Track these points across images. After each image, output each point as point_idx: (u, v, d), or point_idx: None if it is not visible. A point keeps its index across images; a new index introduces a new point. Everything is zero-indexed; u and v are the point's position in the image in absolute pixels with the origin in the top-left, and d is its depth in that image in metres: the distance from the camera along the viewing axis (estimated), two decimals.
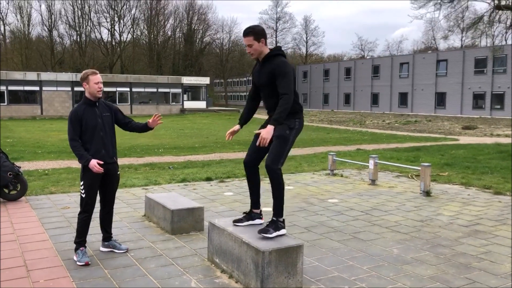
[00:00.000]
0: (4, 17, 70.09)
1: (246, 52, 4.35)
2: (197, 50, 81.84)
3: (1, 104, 43.95)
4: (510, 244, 5.50)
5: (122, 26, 74.07)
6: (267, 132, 4.05)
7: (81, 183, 4.82)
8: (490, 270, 4.65)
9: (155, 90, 53.03)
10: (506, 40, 56.09)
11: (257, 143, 4.11)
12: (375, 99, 60.92)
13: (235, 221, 4.66)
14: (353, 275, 4.50)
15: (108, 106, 5.00)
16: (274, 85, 4.20)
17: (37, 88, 46.10)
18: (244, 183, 8.98)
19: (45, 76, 47.27)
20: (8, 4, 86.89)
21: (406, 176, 10.55)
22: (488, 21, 25.06)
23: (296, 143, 18.26)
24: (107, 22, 73.63)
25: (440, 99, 52.53)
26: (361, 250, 5.25)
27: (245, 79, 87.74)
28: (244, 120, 4.64)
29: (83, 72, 4.85)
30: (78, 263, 4.70)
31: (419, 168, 8.52)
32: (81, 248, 4.81)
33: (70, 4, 70.84)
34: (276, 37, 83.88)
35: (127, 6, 73.77)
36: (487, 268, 4.72)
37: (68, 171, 11.05)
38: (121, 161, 5.09)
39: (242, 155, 13.91)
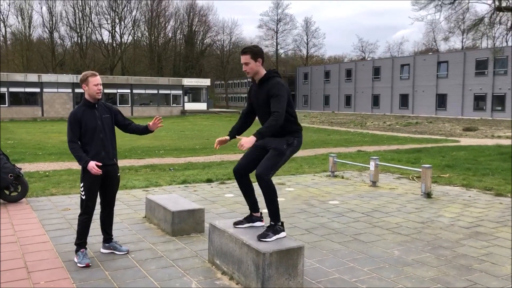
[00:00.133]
0: (5, 18, 70.08)
1: (242, 68, 4.36)
2: (198, 51, 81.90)
3: (2, 105, 43.99)
4: (511, 246, 5.49)
5: (123, 28, 74.21)
6: (248, 141, 3.97)
7: (81, 184, 4.82)
8: (491, 272, 4.64)
9: (155, 91, 53.06)
10: (506, 42, 56.01)
11: (238, 146, 4.08)
12: (375, 101, 60.93)
13: (235, 223, 4.66)
14: (354, 276, 4.49)
15: (108, 108, 4.99)
16: (270, 104, 4.21)
17: (38, 90, 46.15)
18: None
19: (46, 77, 47.32)
20: (9, 6, 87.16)
21: (407, 177, 10.54)
22: (488, 23, 25.06)
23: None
24: (108, 23, 73.77)
25: (441, 101, 52.53)
26: (362, 252, 5.25)
27: (245, 80, 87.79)
28: (235, 132, 4.55)
29: (83, 73, 4.85)
30: (78, 264, 4.70)
31: (420, 170, 8.51)
32: (81, 250, 4.81)
33: (71, 5, 71.01)
34: (276, 39, 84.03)
35: (128, 8, 73.96)
36: (488, 270, 4.71)
37: (69, 173, 11.05)
38: (121, 162, 5.09)
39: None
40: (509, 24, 26.65)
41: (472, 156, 14.61)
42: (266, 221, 4.55)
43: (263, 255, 3.95)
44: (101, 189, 4.96)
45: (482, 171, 11.28)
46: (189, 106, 55.49)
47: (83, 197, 4.81)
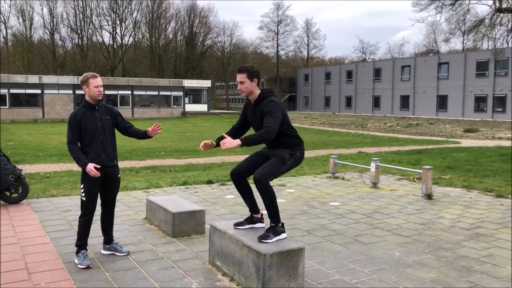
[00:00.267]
0: (6, 20, 70.18)
1: (237, 87, 4.38)
2: (199, 53, 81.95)
3: (3, 107, 44.02)
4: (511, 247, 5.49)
5: (123, 29, 74.25)
6: (231, 143, 3.96)
7: (81, 186, 4.83)
8: (492, 273, 4.63)
9: (156, 93, 53.08)
10: (507, 43, 55.98)
11: (221, 144, 4.06)
12: (376, 102, 60.93)
13: (236, 224, 4.66)
14: (354, 278, 4.49)
15: (108, 109, 4.99)
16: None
17: (38, 91, 46.19)
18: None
19: (47, 79, 47.34)
20: (10, 7, 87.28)
21: (407, 179, 10.54)
22: (489, 24, 25.06)
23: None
24: (108, 25, 73.83)
25: (442, 102, 52.53)
26: (363, 253, 5.24)
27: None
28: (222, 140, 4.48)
29: (83, 75, 4.85)
30: (79, 266, 4.70)
31: (421, 171, 8.51)
32: (82, 251, 4.81)
33: (71, 7, 71.05)
34: (277, 40, 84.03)
35: (129, 9, 74.02)
36: (489, 271, 4.70)
37: (70, 174, 11.05)
38: (122, 164, 5.10)
39: (243, 158, 13.90)
40: (509, 26, 26.65)
41: (473, 158, 14.60)
42: (267, 222, 4.55)
43: (263, 256, 3.95)
44: (101, 191, 4.96)
45: (483, 173, 11.28)
46: (190, 107, 55.50)
47: (84, 199, 4.81)
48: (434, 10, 25.02)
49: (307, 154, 16.17)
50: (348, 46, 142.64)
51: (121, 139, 5.17)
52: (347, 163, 11.63)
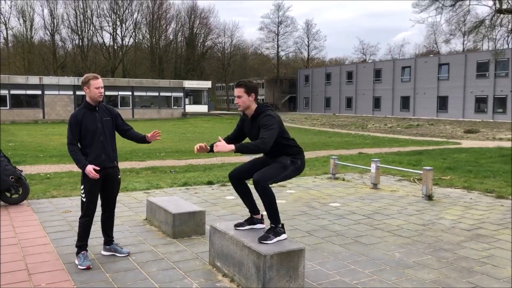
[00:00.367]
0: (7, 21, 70.24)
1: (235, 101, 4.39)
2: (199, 54, 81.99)
3: (4, 108, 44.05)
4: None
5: (124, 30, 74.30)
6: (224, 147, 4.00)
7: (81, 187, 4.83)
8: (492, 274, 4.63)
9: (157, 94, 53.10)
10: (508, 44, 56.07)
11: (214, 146, 4.07)
12: (377, 103, 60.94)
13: (236, 225, 4.66)
14: (355, 279, 4.49)
15: (109, 110, 4.99)
16: None
17: (39, 92, 46.22)
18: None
19: (47, 80, 47.37)
20: (11, 8, 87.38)
21: (408, 180, 10.53)
22: (489, 25, 25.07)
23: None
24: (109, 26, 73.86)
25: (442, 103, 52.53)
26: (363, 254, 5.24)
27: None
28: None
29: (85, 76, 4.85)
30: (79, 266, 4.70)
31: (421, 172, 8.51)
32: (82, 252, 4.81)
33: (72, 8, 71.13)
34: (277, 41, 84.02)
35: (129, 10, 74.03)
36: (489, 272, 4.70)
37: (70, 175, 11.05)
38: (122, 165, 5.10)
39: (244, 158, 13.92)
40: (510, 26, 26.66)
41: (473, 158, 14.60)
42: (267, 223, 4.55)
43: (263, 257, 3.95)
44: (101, 192, 4.96)
45: (483, 173, 11.27)
46: (190, 108, 55.53)
47: (84, 200, 4.81)
48: (435, 11, 25.05)
49: (308, 154, 16.20)
50: (349, 47, 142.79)
51: (121, 140, 5.18)
52: (348, 164, 11.62)
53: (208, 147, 4.31)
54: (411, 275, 4.59)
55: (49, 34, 71.10)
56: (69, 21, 71.27)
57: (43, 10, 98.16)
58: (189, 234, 5.88)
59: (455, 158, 14.68)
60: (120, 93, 50.42)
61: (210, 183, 9.83)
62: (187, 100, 55.63)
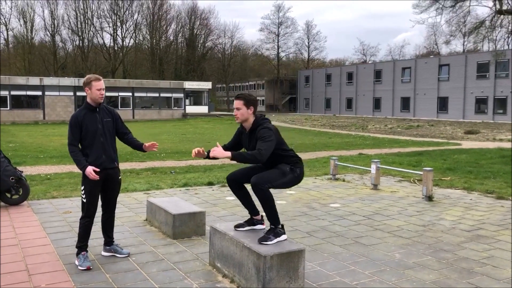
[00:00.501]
0: (7, 22, 70.31)
1: (233, 113, 4.42)
2: (199, 55, 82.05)
3: (4, 109, 44.08)
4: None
5: (124, 31, 74.37)
6: (220, 153, 4.02)
7: (82, 188, 4.83)
8: (493, 275, 4.63)
9: (157, 95, 53.13)
10: (508, 45, 56.06)
11: (211, 150, 4.08)
12: (377, 104, 60.95)
13: (236, 226, 4.66)
14: (355, 280, 4.49)
15: (110, 112, 4.99)
16: None
17: (39, 93, 46.25)
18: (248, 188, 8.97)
19: (48, 81, 47.41)
20: (11, 9, 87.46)
21: (408, 180, 10.53)
22: (489, 26, 25.07)
23: (298, 148, 18.25)
24: (109, 27, 73.97)
25: (442, 104, 52.53)
26: (363, 255, 5.24)
27: (247, 84, 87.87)
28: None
29: (87, 77, 4.85)
30: (79, 267, 4.70)
31: (421, 173, 8.50)
32: (82, 253, 4.81)
33: (72, 9, 71.23)
34: (278, 42, 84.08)
35: (130, 11, 74.13)
36: (490, 273, 4.70)
37: (70, 176, 11.06)
38: (123, 165, 5.10)
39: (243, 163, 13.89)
40: (510, 27, 26.65)
41: (473, 159, 14.59)
42: (267, 223, 4.55)
43: (264, 258, 3.95)
44: (102, 192, 4.96)
45: (484, 174, 11.27)
46: (191, 109, 55.55)
47: (84, 200, 4.82)
48: (435, 11, 25.04)
49: (308, 155, 16.21)
50: (349, 48, 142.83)
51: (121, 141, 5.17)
52: (348, 165, 11.62)
53: (205, 153, 4.32)
54: (411, 276, 4.59)
55: (49, 35, 71.28)
56: (70, 22, 71.44)
57: (43, 11, 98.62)
58: (189, 234, 5.88)
59: (455, 159, 14.68)
60: (121, 94, 50.44)
61: (210, 184, 9.84)
62: (187, 101, 55.66)
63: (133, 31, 75.25)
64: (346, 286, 4.33)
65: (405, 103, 57.02)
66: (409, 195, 8.83)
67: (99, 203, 4.95)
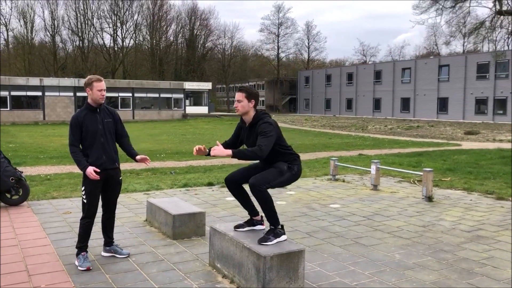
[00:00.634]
0: (8, 22, 70.33)
1: (234, 105, 4.42)
2: (199, 55, 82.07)
3: (4, 109, 44.07)
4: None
5: (124, 32, 74.38)
6: (221, 152, 4.02)
7: (82, 188, 4.83)
8: (493, 276, 4.63)
9: (157, 95, 53.14)
10: (508, 45, 56.06)
11: (211, 150, 4.08)
12: (377, 104, 60.96)
13: (236, 226, 4.66)
14: (355, 280, 4.49)
15: (111, 113, 4.98)
16: None
17: (39, 94, 46.25)
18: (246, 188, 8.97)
19: (48, 81, 47.40)
20: (11, 9, 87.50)
21: (408, 181, 10.53)
22: (489, 26, 25.08)
23: (298, 148, 18.24)
24: (109, 27, 73.96)
25: (442, 104, 52.54)
26: (363, 255, 5.24)
27: (247, 84, 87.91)
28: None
29: (88, 77, 4.85)
30: (79, 268, 4.70)
31: (421, 173, 8.51)
32: (82, 253, 4.81)
33: (73, 9, 71.23)
34: (278, 43, 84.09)
35: (130, 12, 74.14)
36: (490, 273, 4.70)
37: (70, 176, 11.06)
38: (122, 166, 5.10)
39: (243, 161, 13.89)
40: (510, 28, 26.66)
41: (473, 160, 14.60)
42: (267, 224, 4.55)
43: (263, 258, 3.95)
44: (102, 193, 4.96)
45: (484, 175, 11.27)
46: (191, 109, 55.55)
47: (85, 201, 4.82)
48: (435, 12, 25.05)
49: (308, 156, 16.21)
50: (349, 49, 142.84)
51: None
52: (348, 165, 11.62)
53: (207, 150, 4.33)
54: (411, 277, 4.59)
55: (49, 35, 71.28)
56: (70, 23, 71.43)
57: (43, 12, 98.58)
58: (189, 235, 5.88)
59: (455, 160, 14.68)
60: (121, 94, 50.44)
61: (210, 184, 9.84)
62: (187, 102, 55.65)
63: (133, 32, 75.32)
64: (346, 287, 4.34)
65: (405, 104, 57.03)
66: (409, 195, 8.83)
67: (100, 203, 4.95)
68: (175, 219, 5.80)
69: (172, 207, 6.14)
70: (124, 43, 74.96)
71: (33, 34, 71.23)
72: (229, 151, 4.02)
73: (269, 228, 4.35)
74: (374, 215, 7.22)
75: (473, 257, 5.22)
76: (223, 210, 7.45)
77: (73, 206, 7.64)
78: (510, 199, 8.45)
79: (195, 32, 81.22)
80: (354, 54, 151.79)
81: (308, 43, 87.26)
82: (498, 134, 28.99)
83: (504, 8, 23.03)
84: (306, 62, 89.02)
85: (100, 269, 4.72)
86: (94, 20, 72.40)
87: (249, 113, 4.38)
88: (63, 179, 10.69)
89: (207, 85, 58.01)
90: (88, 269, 4.67)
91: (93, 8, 72.47)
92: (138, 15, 75.39)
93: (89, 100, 4.84)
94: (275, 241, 4.23)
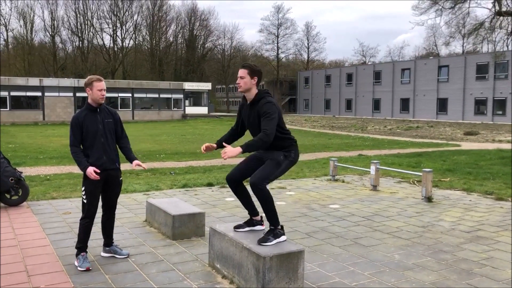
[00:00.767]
0: (7, 23, 70.32)
1: (236, 82, 4.38)
2: (199, 56, 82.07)
3: (4, 109, 44.06)
4: (511, 250, 5.49)
5: (124, 32, 74.38)
6: (232, 151, 3.96)
7: (83, 188, 4.83)
8: (492, 276, 4.63)
9: (157, 95, 53.15)
10: (507, 46, 56.06)
11: (222, 153, 4.07)
12: (376, 105, 60.97)
13: (236, 227, 4.66)
14: (354, 280, 4.49)
15: (112, 113, 4.98)
16: (261, 125, 4.21)
17: (39, 94, 46.25)
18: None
19: (48, 81, 47.41)
20: (11, 10, 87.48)
21: (407, 181, 10.54)
22: (489, 27, 25.11)
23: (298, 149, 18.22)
24: (109, 28, 73.97)
25: (442, 105, 52.56)
26: (363, 256, 5.24)
27: None
28: (223, 141, 4.55)
29: (88, 77, 4.85)
30: (79, 268, 4.70)
31: (421, 174, 8.51)
32: (82, 254, 4.81)
33: (72, 10, 71.27)
34: (277, 43, 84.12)
35: (129, 12, 74.15)
36: (489, 274, 4.70)
37: (70, 177, 11.05)
38: (122, 166, 5.10)
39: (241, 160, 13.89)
40: (509, 29, 26.67)
41: (473, 160, 14.60)
42: (266, 224, 4.55)
43: (263, 259, 3.95)
44: (102, 193, 4.96)
45: (483, 175, 11.28)
46: (190, 110, 55.55)
47: (85, 201, 4.81)
48: (434, 13, 25.10)
49: (307, 156, 16.21)
50: (348, 49, 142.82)
51: None
52: (347, 166, 11.63)
53: (215, 145, 4.43)
54: (411, 277, 4.60)
55: (49, 35, 71.28)
56: (70, 23, 71.45)
57: (43, 12, 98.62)
58: (188, 235, 5.88)
59: (454, 160, 14.69)
60: (120, 95, 50.44)
61: (209, 184, 9.84)
62: (187, 102, 55.65)
63: (132, 32, 75.32)
64: (345, 287, 4.34)
65: (405, 104, 57.04)
66: (409, 196, 8.84)
67: (99, 204, 4.95)
68: (175, 219, 5.80)
69: (172, 207, 6.14)
70: (124, 44, 75.01)
71: (33, 35, 71.32)
72: (239, 149, 3.95)
73: (268, 228, 4.36)
74: (373, 215, 7.22)
75: (473, 257, 5.22)
76: (223, 211, 7.45)
77: (73, 206, 7.64)
78: (510, 199, 8.45)
79: (194, 33, 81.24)
80: (353, 55, 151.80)
81: (308, 44, 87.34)
82: (498, 135, 29.00)
83: (504, 9, 23.06)
84: (305, 62, 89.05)
85: (100, 270, 4.72)
86: (94, 21, 72.50)
87: (252, 90, 4.33)
88: (62, 179, 10.69)
89: (206, 86, 58.01)
90: (87, 270, 4.67)
91: (93, 9, 72.62)
92: (137, 16, 75.47)
93: (89, 100, 4.84)
94: (274, 241, 4.23)
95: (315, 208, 7.72)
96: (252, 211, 4.64)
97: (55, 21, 70.56)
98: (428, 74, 54.05)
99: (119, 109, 48.00)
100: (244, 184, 4.61)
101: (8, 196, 7.58)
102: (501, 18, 24.09)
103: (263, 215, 4.47)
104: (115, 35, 73.72)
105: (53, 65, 69.67)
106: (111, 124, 4.91)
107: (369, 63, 77.92)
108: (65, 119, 45.31)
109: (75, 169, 12.14)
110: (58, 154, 16.85)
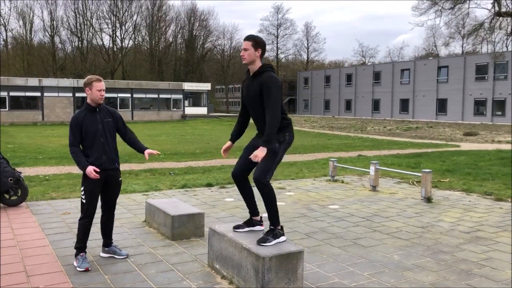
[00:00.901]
0: (7, 23, 70.29)
1: (240, 54, 4.35)
2: (199, 56, 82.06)
3: (3, 110, 44.04)
4: (511, 251, 5.49)
5: (123, 32, 74.40)
6: (262, 153, 4.05)
7: (82, 188, 4.82)
8: (491, 277, 4.63)
9: (156, 96, 53.14)
10: (507, 47, 56.19)
11: (252, 158, 4.10)
12: (376, 105, 60.99)
13: (235, 227, 4.66)
14: (353, 281, 4.49)
15: (111, 113, 4.97)
16: (262, 98, 4.19)
17: (38, 94, 46.23)
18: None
19: (47, 82, 47.39)
20: (10, 10, 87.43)
21: (407, 182, 10.54)
22: (488, 28, 25.14)
23: (297, 149, 18.24)
24: (108, 28, 73.97)
25: (441, 106, 52.59)
26: (362, 256, 5.24)
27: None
28: (236, 136, 4.66)
29: (88, 77, 4.85)
30: (78, 268, 4.70)
31: (420, 174, 8.51)
32: (81, 254, 4.81)
33: (72, 10, 71.27)
34: (277, 44, 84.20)
35: (129, 13, 74.16)
36: (488, 274, 4.70)
37: (69, 177, 11.05)
38: (122, 166, 5.10)
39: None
40: (509, 29, 26.70)
41: (472, 161, 14.61)
42: (266, 225, 4.55)
43: (262, 259, 3.94)
44: (102, 193, 4.95)
45: (482, 176, 11.28)
46: (190, 110, 55.54)
47: (84, 201, 4.81)
48: (434, 14, 25.15)
49: (307, 157, 16.21)
50: (348, 50, 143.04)
51: (121, 142, 5.16)
52: (347, 166, 11.63)
53: (231, 143, 4.58)
54: (410, 278, 4.59)
55: (48, 36, 71.26)
56: (69, 23, 71.44)
57: (42, 12, 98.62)
58: (188, 236, 5.88)
59: (454, 161, 14.69)
60: (120, 95, 50.43)
61: (209, 185, 9.83)
62: (186, 102, 55.64)
63: (132, 32, 75.32)
64: (345, 287, 4.34)
65: (404, 105, 57.07)
66: (408, 196, 8.84)
67: (99, 204, 4.94)
68: (174, 220, 5.79)
69: (171, 208, 6.14)
70: (123, 44, 75.01)
71: (32, 35, 71.33)
72: (264, 149, 4.05)
73: (268, 229, 4.35)
74: (373, 216, 7.22)
75: (472, 258, 5.22)
76: (222, 211, 7.45)
77: (72, 206, 7.63)
78: (509, 200, 8.46)
79: (194, 33, 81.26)
80: (353, 55, 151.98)
81: (307, 44, 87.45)
82: (497, 135, 29.02)
83: (503, 9, 23.08)
84: (305, 63, 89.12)
85: (99, 270, 4.72)
86: (93, 21, 72.49)
87: (256, 63, 4.29)
88: (61, 179, 10.68)
89: (206, 86, 58.01)
90: (86, 270, 4.67)
91: (92, 9, 72.62)
92: (137, 16, 75.49)
93: (88, 100, 4.84)
94: (274, 242, 4.23)
95: (314, 208, 7.72)
96: (253, 210, 4.64)
97: (55, 21, 70.61)
98: (427, 74, 54.08)
99: (119, 110, 47.96)
100: (250, 184, 4.59)
101: (7, 196, 7.57)
102: (501, 18, 24.13)
103: (263, 215, 4.47)
104: (114, 35, 73.78)
105: (52, 65, 69.64)
106: (110, 123, 4.91)
107: (368, 64, 77.97)
108: (64, 119, 45.29)
109: (74, 170, 12.13)
110: (57, 154, 16.84)
